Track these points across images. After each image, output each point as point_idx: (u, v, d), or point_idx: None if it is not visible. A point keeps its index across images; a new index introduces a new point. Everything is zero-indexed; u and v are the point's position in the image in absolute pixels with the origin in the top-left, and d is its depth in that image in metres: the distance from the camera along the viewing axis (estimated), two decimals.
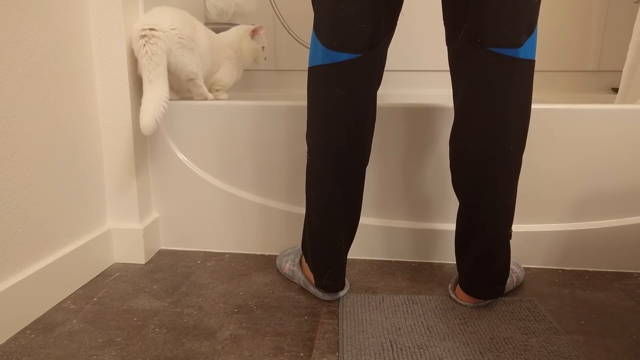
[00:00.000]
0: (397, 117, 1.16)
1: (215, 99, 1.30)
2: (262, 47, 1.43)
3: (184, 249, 1.30)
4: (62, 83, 1.03)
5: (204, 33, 1.26)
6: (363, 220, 1.20)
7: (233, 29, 1.42)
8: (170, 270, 1.18)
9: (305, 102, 1.08)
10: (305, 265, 1.07)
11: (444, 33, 0.95)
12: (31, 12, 0.93)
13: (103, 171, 1.19)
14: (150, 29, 1.10)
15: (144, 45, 1.10)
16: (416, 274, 1.15)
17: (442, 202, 1.19)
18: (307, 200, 0.99)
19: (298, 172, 1.22)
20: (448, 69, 0.96)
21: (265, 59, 1.47)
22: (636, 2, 1.72)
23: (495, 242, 0.93)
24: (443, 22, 0.94)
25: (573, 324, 0.93)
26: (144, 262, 1.21)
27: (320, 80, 0.90)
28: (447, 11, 0.91)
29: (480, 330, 0.89)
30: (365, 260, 1.23)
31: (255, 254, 1.27)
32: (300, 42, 1.72)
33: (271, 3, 1.65)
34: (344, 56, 0.87)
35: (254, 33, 1.39)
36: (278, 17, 1.65)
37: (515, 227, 1.15)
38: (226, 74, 1.36)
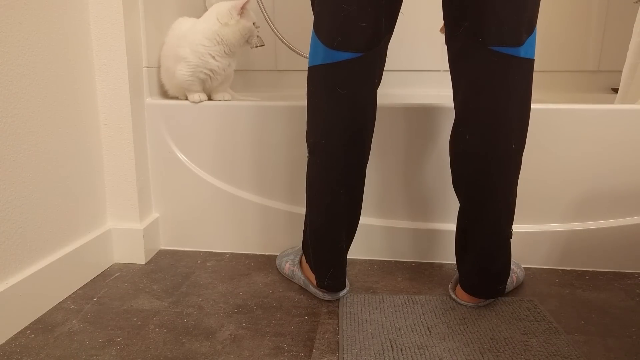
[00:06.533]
0: (397, 117, 1.16)
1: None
2: (253, 23, 1.21)
3: (184, 249, 1.30)
4: (62, 83, 1.03)
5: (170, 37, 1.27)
6: (363, 220, 1.20)
7: (205, 16, 1.22)
8: (170, 270, 1.18)
9: (305, 102, 1.08)
10: (305, 265, 1.07)
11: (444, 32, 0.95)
12: (31, 12, 0.93)
13: (103, 171, 1.19)
14: None
15: None
16: (416, 274, 1.15)
17: (443, 202, 1.19)
18: (307, 200, 0.99)
19: (298, 172, 1.22)
20: (448, 69, 0.96)
21: (258, 36, 1.24)
22: (636, 2, 1.72)
23: (495, 241, 0.93)
24: (443, 21, 0.94)
25: (573, 324, 0.93)
26: (144, 262, 1.21)
27: (321, 79, 0.90)
28: (447, 10, 0.91)
29: (480, 330, 0.89)
30: (365, 260, 1.23)
31: (255, 254, 1.27)
32: (295, 50, 1.70)
33: (262, 11, 1.63)
34: (345, 55, 0.87)
35: (242, 10, 1.19)
36: (272, 28, 1.64)
37: (515, 227, 1.15)
38: (177, 76, 1.22)
